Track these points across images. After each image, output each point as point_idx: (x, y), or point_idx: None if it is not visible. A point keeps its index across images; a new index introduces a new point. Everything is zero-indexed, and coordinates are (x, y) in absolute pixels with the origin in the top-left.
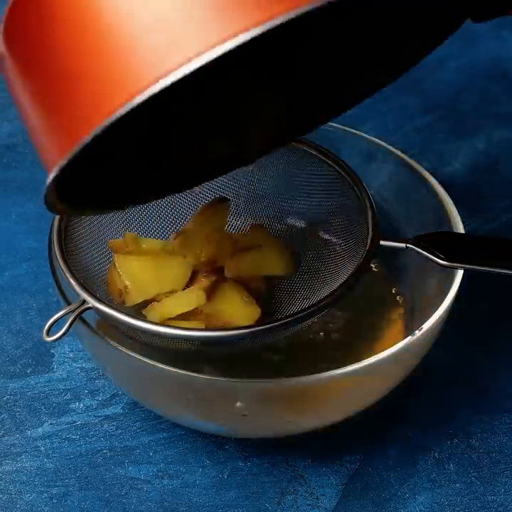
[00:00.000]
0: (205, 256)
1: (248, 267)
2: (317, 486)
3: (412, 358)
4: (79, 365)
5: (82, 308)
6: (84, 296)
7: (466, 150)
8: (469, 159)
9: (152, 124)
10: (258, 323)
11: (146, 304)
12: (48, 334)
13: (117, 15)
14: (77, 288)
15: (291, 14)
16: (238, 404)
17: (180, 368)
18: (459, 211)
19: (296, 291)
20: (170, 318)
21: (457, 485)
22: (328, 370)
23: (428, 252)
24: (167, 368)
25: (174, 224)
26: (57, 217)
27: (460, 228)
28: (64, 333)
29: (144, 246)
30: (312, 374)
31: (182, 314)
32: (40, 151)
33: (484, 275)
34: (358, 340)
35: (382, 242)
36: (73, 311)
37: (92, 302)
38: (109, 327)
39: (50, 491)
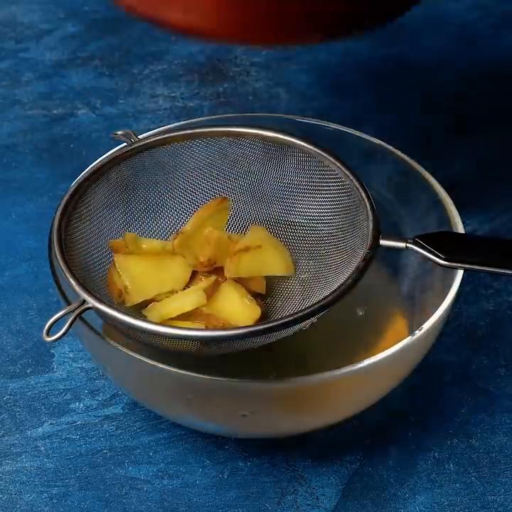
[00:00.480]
0: (205, 256)
1: (248, 267)
2: (317, 486)
3: (412, 358)
4: (79, 365)
5: (82, 308)
6: (84, 296)
7: (466, 150)
8: (469, 159)
9: None
10: (258, 323)
11: (146, 303)
12: (48, 334)
13: None
14: (77, 288)
15: None
16: None
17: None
18: (459, 211)
19: (295, 291)
20: (170, 319)
21: (457, 485)
22: (328, 370)
23: (428, 252)
24: (167, 367)
25: (174, 224)
26: (58, 217)
27: (460, 228)
28: (64, 333)
29: (143, 246)
30: (312, 374)
31: (182, 314)
32: None
33: (484, 275)
34: (358, 340)
35: (382, 242)
36: (73, 311)
37: (92, 302)
38: (111, 328)
39: (50, 491)
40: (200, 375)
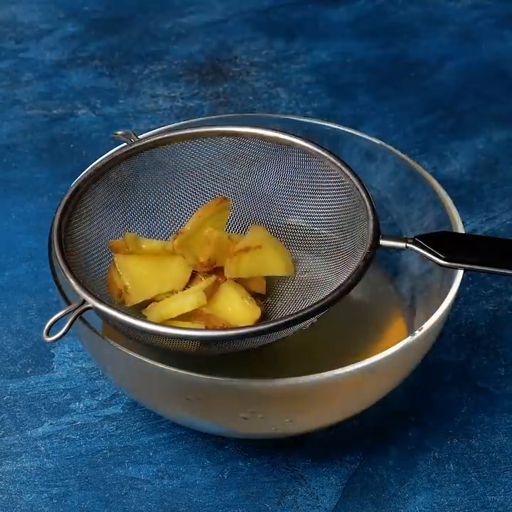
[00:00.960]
0: (205, 256)
1: (248, 268)
2: (317, 486)
3: (412, 358)
4: (79, 365)
5: (82, 308)
6: (84, 296)
7: (466, 150)
8: (469, 159)
9: None
10: (258, 323)
11: (146, 304)
12: (48, 334)
13: None
14: (77, 288)
15: None
16: None
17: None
18: (459, 211)
19: (295, 291)
20: (170, 319)
21: (457, 485)
22: (328, 370)
23: (428, 252)
24: (167, 367)
25: (174, 224)
26: (58, 217)
27: (460, 228)
28: (64, 333)
29: (143, 246)
30: (312, 374)
31: (182, 314)
32: None
33: (484, 275)
34: (358, 340)
35: (382, 242)
36: (73, 311)
37: (92, 302)
38: (110, 328)
39: (50, 491)
40: (200, 375)
